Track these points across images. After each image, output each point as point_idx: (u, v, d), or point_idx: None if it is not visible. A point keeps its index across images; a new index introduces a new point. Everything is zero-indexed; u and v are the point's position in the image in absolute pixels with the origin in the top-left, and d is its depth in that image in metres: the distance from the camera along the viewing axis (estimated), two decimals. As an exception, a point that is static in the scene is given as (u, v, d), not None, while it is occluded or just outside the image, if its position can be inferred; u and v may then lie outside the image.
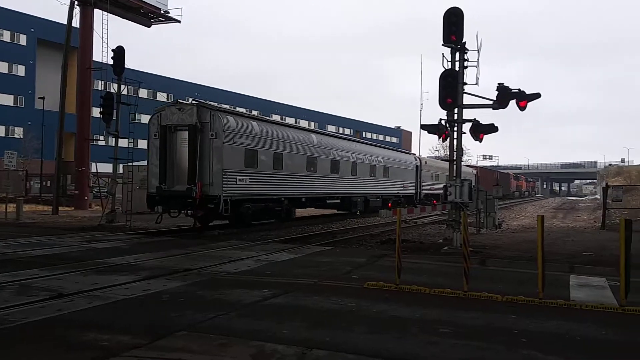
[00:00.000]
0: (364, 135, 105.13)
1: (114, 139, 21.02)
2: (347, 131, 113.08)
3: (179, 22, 35.27)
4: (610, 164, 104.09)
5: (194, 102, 18.84)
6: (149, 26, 35.49)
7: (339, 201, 25.77)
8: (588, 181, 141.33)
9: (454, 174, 14.69)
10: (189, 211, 17.97)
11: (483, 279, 9.26)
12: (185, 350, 5.31)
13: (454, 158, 14.91)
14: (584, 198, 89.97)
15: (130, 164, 21.24)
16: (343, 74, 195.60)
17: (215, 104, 23.56)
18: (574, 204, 60.28)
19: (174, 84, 77.25)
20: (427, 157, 50.32)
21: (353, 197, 27.07)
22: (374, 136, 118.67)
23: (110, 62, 21.55)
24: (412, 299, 7.84)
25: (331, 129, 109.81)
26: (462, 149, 15.20)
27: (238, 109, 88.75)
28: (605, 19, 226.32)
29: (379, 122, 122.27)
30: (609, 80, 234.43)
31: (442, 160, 40.87)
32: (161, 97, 71.98)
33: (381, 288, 8.51)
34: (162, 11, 34.40)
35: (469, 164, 78.38)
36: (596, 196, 72.22)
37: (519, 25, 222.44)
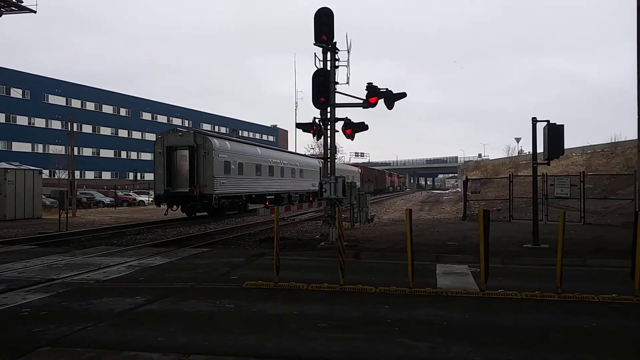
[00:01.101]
0: (240, 134, 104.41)
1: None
2: (223, 129, 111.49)
3: (34, 12, 32.40)
4: (469, 160, 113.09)
5: (191, 130, 28.31)
6: (-1, 15, 32.24)
7: (273, 197, 32.96)
8: (450, 175, 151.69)
9: (329, 171, 15.06)
10: (188, 205, 25.47)
11: (358, 272, 9.60)
12: (48, 368, 4.90)
13: (328, 156, 15.30)
14: (447, 191, 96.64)
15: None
16: (219, 72, 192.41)
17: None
18: (438, 196, 64.60)
19: (30, 79, 71.11)
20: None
21: (282, 194, 34.23)
22: (251, 134, 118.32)
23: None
24: (291, 296, 7.91)
25: (207, 127, 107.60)
26: (336, 146, 15.64)
27: (104, 106, 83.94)
28: (457, 23, 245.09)
29: (256, 121, 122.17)
30: (463, 82, 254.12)
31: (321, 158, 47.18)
32: (16, 93, 66.02)
33: (260, 287, 8.49)
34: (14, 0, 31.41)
35: (354, 164, 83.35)
36: (458, 189, 77.94)
37: (388, 25, 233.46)
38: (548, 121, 13.24)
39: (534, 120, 13.50)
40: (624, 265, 8.19)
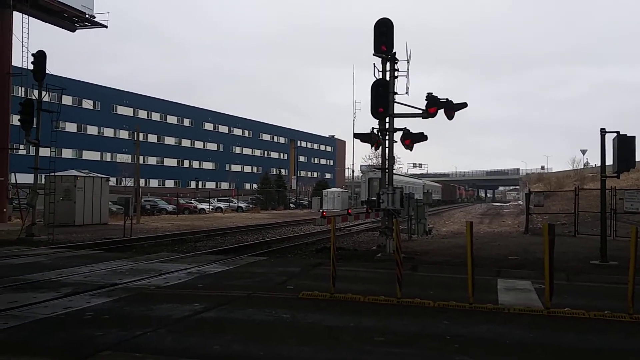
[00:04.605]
0: (298, 144, 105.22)
1: (34, 148, 19.92)
2: (281, 139, 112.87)
3: (106, 27, 33.97)
4: (531, 172, 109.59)
5: (380, 168, 42.04)
6: (73, 30, 33.98)
7: None
8: (511, 187, 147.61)
9: (387, 182, 14.89)
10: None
11: (415, 285, 9.39)
12: (109, 371, 5.02)
13: (386, 166, 15.13)
14: (507, 204, 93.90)
15: (53, 174, 20.17)
16: (276, 82, 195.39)
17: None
18: (498, 209, 62.81)
19: (100, 90, 74.52)
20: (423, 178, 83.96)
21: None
22: (309, 145, 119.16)
23: (31, 67, 20.44)
24: (347, 308, 7.81)
25: (265, 137, 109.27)
26: (394, 157, 15.47)
27: (168, 117, 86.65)
28: (515, 35, 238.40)
29: (313, 131, 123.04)
30: (523, 92, 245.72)
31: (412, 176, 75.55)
32: (87, 104, 69.23)
33: (316, 297, 8.44)
34: (87, 15, 33.02)
35: (436, 180, 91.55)
36: (519, 202, 75.52)
37: (441, 35, 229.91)
38: (618, 132, 12.61)
39: (603, 132, 12.90)
40: None
